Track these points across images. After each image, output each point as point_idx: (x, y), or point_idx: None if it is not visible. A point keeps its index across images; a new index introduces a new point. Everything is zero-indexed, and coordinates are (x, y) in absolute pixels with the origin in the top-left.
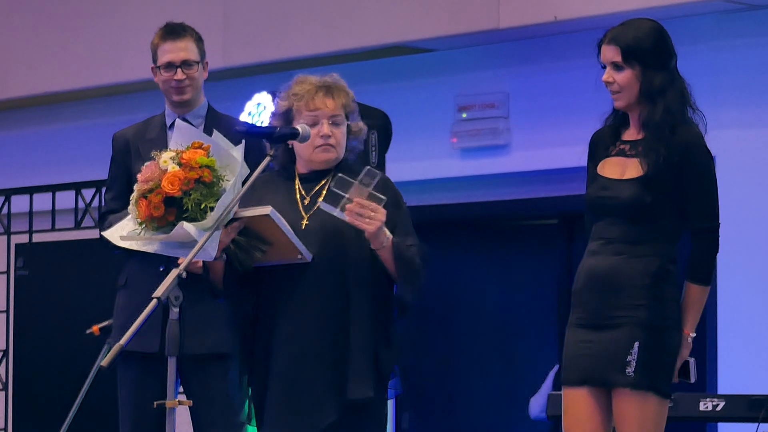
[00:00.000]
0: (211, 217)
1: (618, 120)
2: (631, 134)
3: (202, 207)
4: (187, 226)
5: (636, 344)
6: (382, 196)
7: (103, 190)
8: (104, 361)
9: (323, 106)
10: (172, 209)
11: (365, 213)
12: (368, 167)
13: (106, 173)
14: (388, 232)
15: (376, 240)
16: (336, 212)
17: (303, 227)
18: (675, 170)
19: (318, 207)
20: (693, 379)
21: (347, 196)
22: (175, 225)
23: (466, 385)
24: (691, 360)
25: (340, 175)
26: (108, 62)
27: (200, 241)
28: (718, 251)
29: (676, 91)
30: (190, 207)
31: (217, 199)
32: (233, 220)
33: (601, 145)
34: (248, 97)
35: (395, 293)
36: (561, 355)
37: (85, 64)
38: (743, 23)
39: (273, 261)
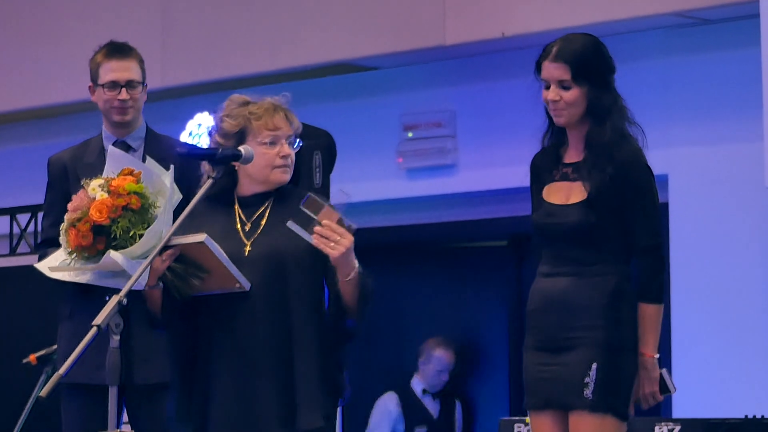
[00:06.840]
0: (140, 245)
1: (555, 139)
2: (571, 156)
3: (130, 234)
4: (115, 255)
5: (594, 366)
6: (353, 225)
7: (40, 215)
8: (43, 391)
9: (283, 126)
10: (101, 237)
11: (332, 237)
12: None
13: (42, 198)
14: (356, 262)
15: (343, 268)
16: (303, 233)
17: (246, 254)
18: (617, 188)
19: (260, 233)
20: (673, 390)
21: (317, 218)
22: (104, 254)
23: None
24: (663, 371)
25: (310, 194)
26: (42, 84)
27: (139, 269)
28: (663, 268)
29: (618, 108)
30: (118, 235)
31: (147, 226)
32: (168, 247)
33: (544, 169)
34: (188, 118)
35: (345, 323)
36: (511, 376)
37: (18, 86)
38: (694, 38)
39: (211, 290)
